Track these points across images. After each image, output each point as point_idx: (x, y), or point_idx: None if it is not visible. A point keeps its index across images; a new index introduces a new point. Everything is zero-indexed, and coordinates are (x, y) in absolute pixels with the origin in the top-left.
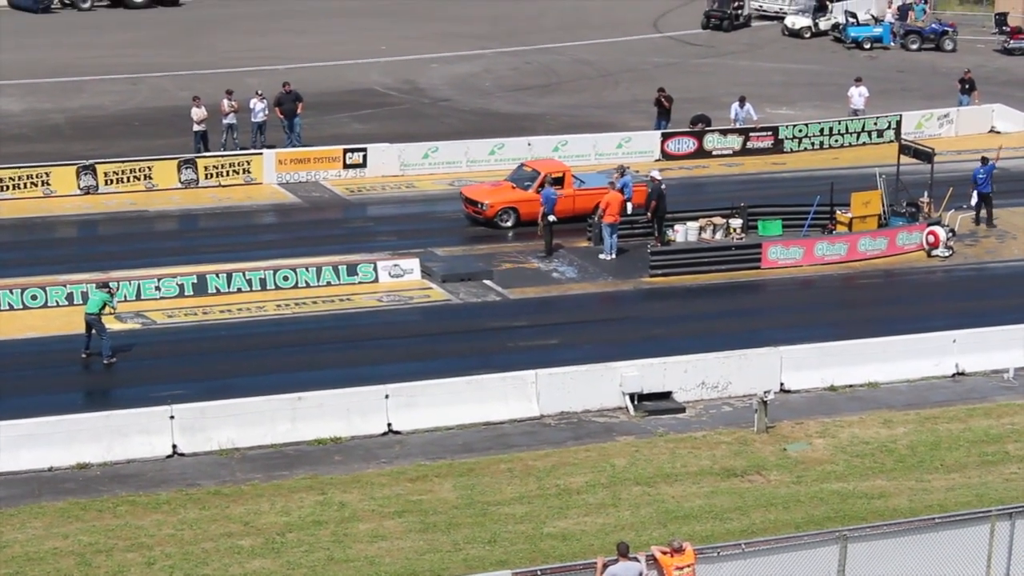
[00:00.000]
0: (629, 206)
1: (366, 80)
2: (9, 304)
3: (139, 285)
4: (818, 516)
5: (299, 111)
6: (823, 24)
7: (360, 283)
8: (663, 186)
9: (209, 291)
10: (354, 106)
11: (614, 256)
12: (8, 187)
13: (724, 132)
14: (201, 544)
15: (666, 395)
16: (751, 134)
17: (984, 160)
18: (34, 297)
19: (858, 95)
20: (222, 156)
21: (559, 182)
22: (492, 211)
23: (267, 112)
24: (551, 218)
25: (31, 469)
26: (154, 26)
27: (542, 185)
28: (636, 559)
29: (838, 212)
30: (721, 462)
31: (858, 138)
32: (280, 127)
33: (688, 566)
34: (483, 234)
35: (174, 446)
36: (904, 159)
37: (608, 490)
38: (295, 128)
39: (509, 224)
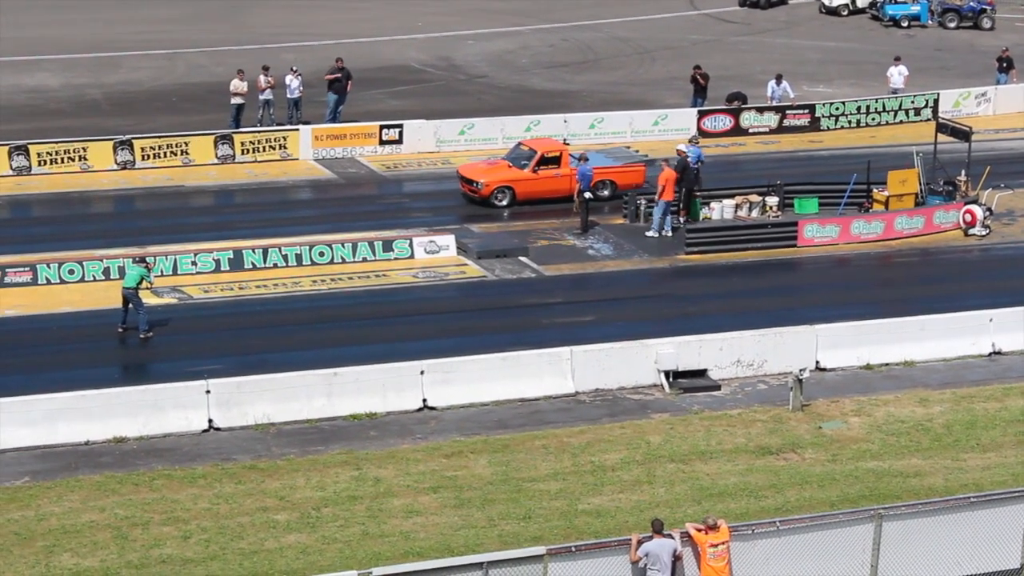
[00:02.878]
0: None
1: (402, 56)
2: (47, 278)
3: (175, 260)
4: (853, 494)
5: (348, 89)
6: (860, 2)
7: (396, 259)
8: (689, 159)
9: (245, 266)
10: (390, 82)
11: (668, 233)
12: (46, 162)
13: (761, 110)
14: (236, 518)
15: (701, 373)
16: (788, 112)
17: None
18: (71, 271)
19: (897, 74)
20: (258, 132)
21: (556, 161)
22: (487, 190)
23: (302, 88)
24: (587, 195)
25: (68, 442)
26: (191, 1)
27: (538, 164)
28: (670, 536)
29: (875, 190)
30: (756, 440)
31: (895, 116)
32: (320, 103)
33: (722, 543)
34: (518, 211)
35: (210, 420)
36: (941, 137)
37: (643, 467)
38: (342, 103)
39: (504, 203)
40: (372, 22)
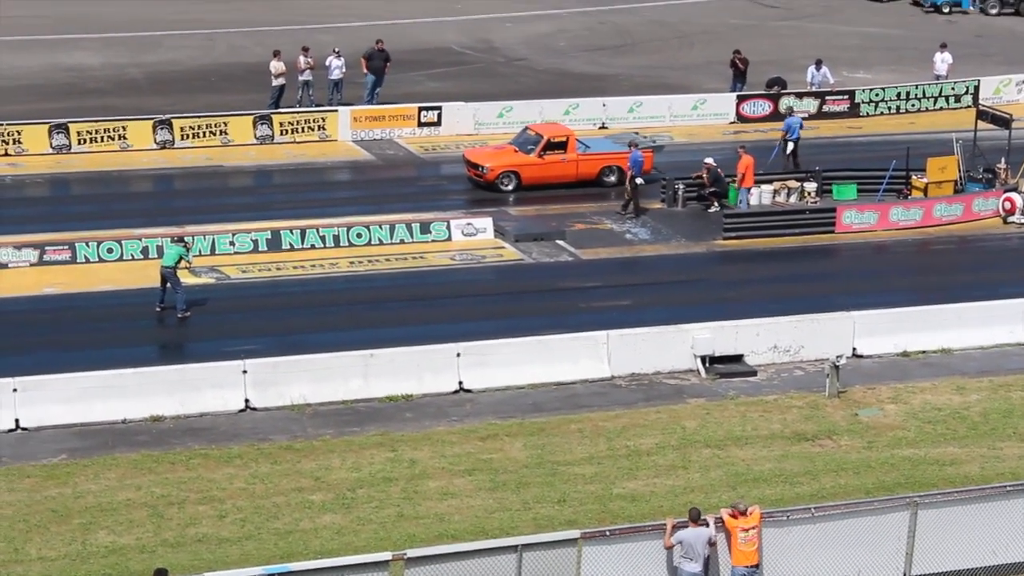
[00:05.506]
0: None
1: (441, 39)
2: (86, 257)
3: (214, 240)
4: (889, 482)
5: (386, 70)
6: None
7: (433, 241)
8: (719, 169)
9: (283, 247)
10: (429, 64)
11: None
12: (85, 141)
13: (800, 95)
14: (272, 498)
15: (738, 358)
16: (827, 98)
17: None
18: (110, 250)
19: (941, 61)
20: (298, 112)
21: (562, 147)
22: (492, 175)
23: (344, 70)
24: (639, 180)
25: (105, 421)
26: None
27: (544, 149)
28: (706, 523)
29: (914, 177)
30: (792, 426)
31: (935, 103)
32: (359, 85)
33: (752, 528)
34: (556, 195)
35: (247, 400)
36: (981, 125)
37: (678, 452)
38: (380, 85)
39: (510, 188)
40: (411, 4)
